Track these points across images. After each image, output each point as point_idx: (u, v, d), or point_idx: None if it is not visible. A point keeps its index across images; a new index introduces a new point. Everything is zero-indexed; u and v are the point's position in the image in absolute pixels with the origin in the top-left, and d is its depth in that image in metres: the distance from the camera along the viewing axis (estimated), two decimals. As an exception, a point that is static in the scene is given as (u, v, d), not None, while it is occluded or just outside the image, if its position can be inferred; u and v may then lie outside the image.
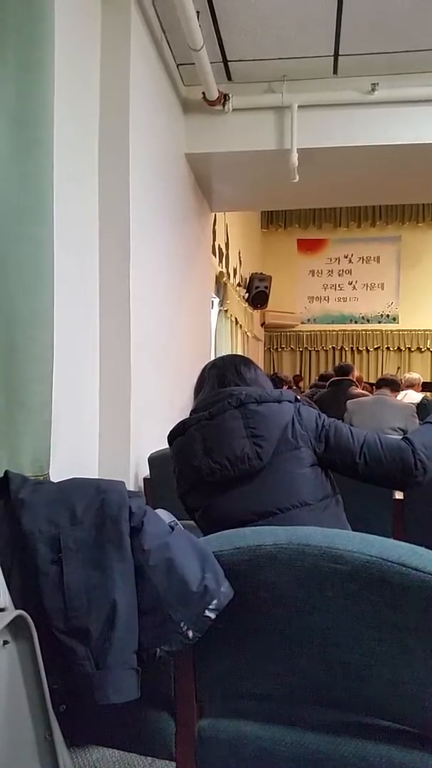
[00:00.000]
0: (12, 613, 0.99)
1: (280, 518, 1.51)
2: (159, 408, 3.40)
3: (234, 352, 2.01)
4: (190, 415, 1.70)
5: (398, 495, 2.38)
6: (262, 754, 1.16)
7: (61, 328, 1.86)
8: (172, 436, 1.72)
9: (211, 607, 1.08)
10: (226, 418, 1.58)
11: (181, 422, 1.69)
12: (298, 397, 1.71)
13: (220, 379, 1.74)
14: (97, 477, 2.60)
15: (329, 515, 1.56)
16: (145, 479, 2.92)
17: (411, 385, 6.05)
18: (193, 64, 3.37)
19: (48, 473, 1.70)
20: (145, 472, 2.92)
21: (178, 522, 1.43)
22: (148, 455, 2.85)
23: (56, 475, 1.62)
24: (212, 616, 1.08)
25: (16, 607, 1.05)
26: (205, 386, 1.78)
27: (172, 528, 1.21)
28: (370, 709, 1.12)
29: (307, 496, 1.54)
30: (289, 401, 1.63)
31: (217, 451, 1.56)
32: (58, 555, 1.10)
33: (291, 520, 1.50)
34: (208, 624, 1.09)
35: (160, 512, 1.42)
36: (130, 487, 2.79)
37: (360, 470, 1.58)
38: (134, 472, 2.90)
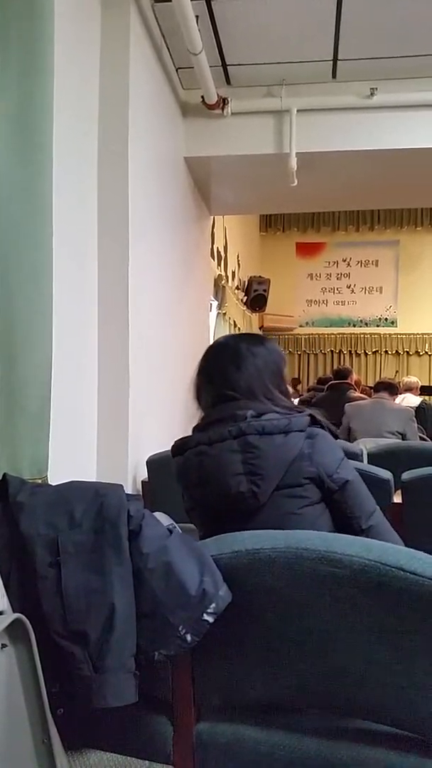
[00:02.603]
0: (10, 616, 0.99)
1: None
2: (157, 411, 3.40)
3: (224, 336, 1.59)
4: (193, 430, 1.56)
5: (397, 499, 2.38)
6: (260, 758, 1.16)
7: (59, 332, 1.86)
8: (173, 453, 1.57)
9: (209, 610, 1.08)
10: (224, 449, 1.41)
11: (182, 440, 1.54)
12: (318, 420, 1.49)
13: (214, 391, 1.53)
14: (95, 480, 2.61)
15: None
16: (143, 482, 2.92)
17: (409, 389, 6.06)
18: (193, 68, 3.38)
19: (46, 476, 1.70)
20: (144, 475, 2.92)
21: (176, 525, 1.43)
22: (147, 458, 2.84)
23: (55, 479, 1.62)
24: (210, 619, 1.08)
25: (15, 611, 1.05)
26: (201, 394, 1.58)
27: (171, 531, 1.21)
28: (368, 714, 1.12)
29: None
30: (300, 430, 1.43)
31: (212, 485, 1.43)
32: (56, 558, 1.10)
33: None
34: (206, 628, 1.09)
35: (159, 515, 1.42)
36: (129, 490, 2.79)
37: (356, 533, 1.44)
38: (132, 476, 2.90)
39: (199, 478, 1.45)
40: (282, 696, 1.17)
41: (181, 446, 1.53)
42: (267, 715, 1.19)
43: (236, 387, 1.48)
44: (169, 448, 3.00)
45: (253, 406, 1.46)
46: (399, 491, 2.38)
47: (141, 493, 2.91)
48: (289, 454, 1.40)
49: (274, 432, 1.40)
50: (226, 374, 1.50)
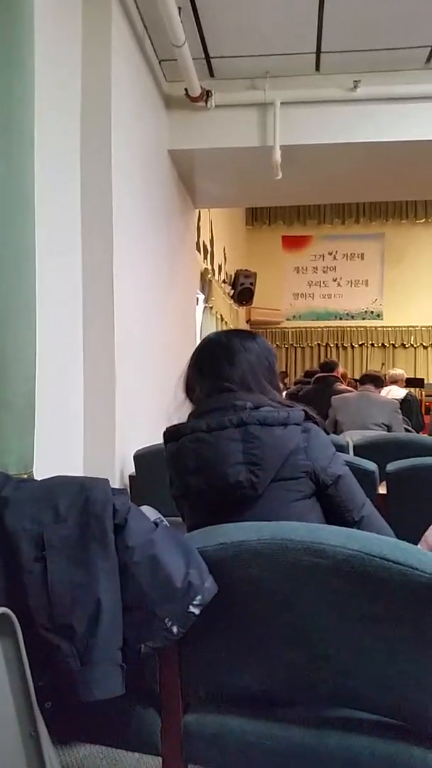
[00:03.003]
0: (-4, 611, 0.99)
1: None
2: (144, 405, 3.40)
3: (215, 333, 1.61)
4: (188, 417, 1.54)
5: (382, 490, 2.40)
6: (247, 748, 1.17)
7: (44, 328, 1.85)
8: (166, 439, 1.55)
9: (195, 602, 1.08)
10: (224, 438, 1.41)
11: (175, 426, 1.52)
12: (311, 415, 1.51)
13: (209, 383, 1.53)
14: (82, 475, 2.60)
15: None
16: (130, 477, 2.92)
17: (395, 381, 6.10)
18: (176, 60, 3.37)
19: (32, 472, 1.70)
20: (131, 469, 2.92)
21: (163, 519, 1.44)
22: (134, 453, 2.84)
23: (41, 474, 1.62)
24: (196, 611, 1.09)
25: (0, 605, 1.05)
26: (193, 386, 1.57)
27: (157, 525, 1.21)
28: (353, 702, 1.13)
29: None
30: (297, 424, 1.45)
31: (210, 473, 1.41)
32: (42, 553, 1.10)
33: None
34: (192, 620, 1.09)
35: (145, 509, 1.42)
36: (116, 484, 2.79)
37: (349, 525, 1.46)
38: (119, 470, 2.90)
39: (196, 466, 1.43)
40: (269, 686, 1.18)
41: (175, 432, 1.51)
42: (254, 706, 1.20)
43: (231, 380, 1.49)
44: (156, 442, 3.00)
45: (250, 398, 1.46)
46: (384, 482, 2.40)
47: (128, 487, 2.91)
48: (288, 447, 1.41)
49: (274, 424, 1.41)
50: (219, 369, 1.51)
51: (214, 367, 1.52)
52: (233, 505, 1.41)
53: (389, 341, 11.24)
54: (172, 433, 1.52)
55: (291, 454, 1.41)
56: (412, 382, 8.45)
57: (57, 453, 2.46)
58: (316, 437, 1.47)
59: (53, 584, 1.08)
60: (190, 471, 1.44)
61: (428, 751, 1.07)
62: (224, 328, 7.90)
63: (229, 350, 1.52)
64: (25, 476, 1.64)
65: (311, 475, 1.44)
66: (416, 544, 1.43)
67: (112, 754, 1.66)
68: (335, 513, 1.48)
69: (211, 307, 6.91)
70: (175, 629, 1.09)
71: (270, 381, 1.55)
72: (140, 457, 2.81)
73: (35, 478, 1.70)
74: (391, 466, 2.34)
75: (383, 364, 10.66)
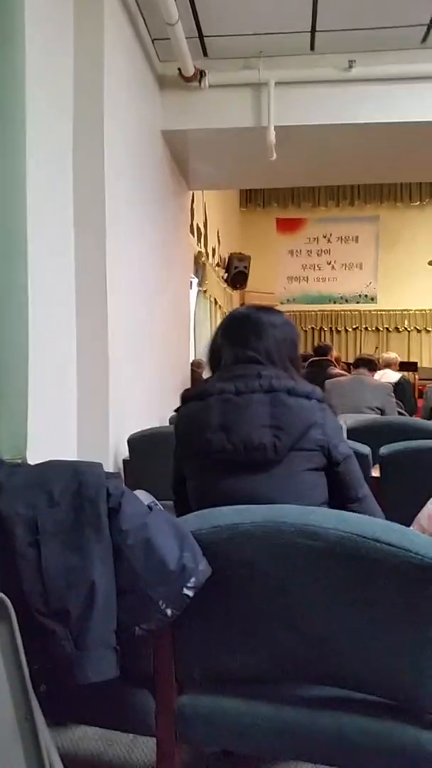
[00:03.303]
0: (-10, 595, 0.99)
1: None
2: (138, 389, 3.39)
3: (245, 308, 1.70)
4: (207, 381, 1.59)
5: (375, 473, 2.41)
6: (241, 728, 1.18)
7: (36, 312, 1.84)
8: (186, 398, 1.60)
9: (189, 585, 1.09)
10: (253, 401, 1.47)
11: (200, 387, 1.58)
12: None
13: (236, 352, 1.58)
14: (75, 459, 2.60)
15: None
16: (124, 461, 2.92)
17: (388, 365, 6.10)
18: (169, 39, 3.32)
19: (25, 457, 1.70)
20: (125, 453, 2.92)
21: (157, 503, 1.44)
22: (128, 437, 2.84)
23: (35, 459, 1.61)
24: (190, 594, 1.10)
25: (-5, 590, 1.05)
26: (220, 355, 1.63)
27: (151, 509, 1.21)
28: (346, 682, 1.14)
29: (307, 498, 1.48)
30: (319, 400, 1.53)
31: (235, 432, 1.46)
32: (36, 537, 1.10)
33: None
34: (186, 602, 1.10)
35: (139, 493, 1.43)
36: (110, 469, 2.79)
37: (347, 505, 1.55)
38: (113, 454, 2.90)
39: (221, 424, 1.48)
40: (262, 667, 1.19)
41: (201, 392, 1.56)
42: (248, 687, 1.21)
43: (257, 351, 1.56)
44: (150, 426, 3.00)
45: (274, 372, 1.53)
46: (377, 465, 2.41)
47: (122, 471, 2.91)
48: (310, 419, 1.49)
49: (300, 395, 1.49)
50: (247, 340, 1.57)
51: (241, 338, 1.58)
52: (250, 467, 1.47)
53: (383, 325, 11.22)
54: (196, 393, 1.57)
55: (311, 426, 1.49)
56: (406, 366, 8.47)
57: (51, 438, 2.46)
58: (332, 417, 1.57)
59: (47, 569, 1.08)
60: (214, 429, 1.48)
61: (419, 729, 1.09)
62: (218, 312, 7.88)
63: (257, 324, 1.59)
64: (19, 461, 1.64)
65: (325, 451, 1.51)
66: (409, 526, 1.44)
67: (107, 735, 1.68)
68: (339, 490, 1.56)
69: (205, 291, 6.88)
70: (169, 611, 1.10)
71: (291, 359, 1.62)
72: (134, 441, 2.81)
73: (29, 463, 1.70)
74: (384, 449, 2.35)
75: (377, 347, 10.64)
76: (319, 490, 1.52)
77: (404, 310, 11.10)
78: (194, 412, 1.55)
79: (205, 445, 1.50)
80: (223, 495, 1.47)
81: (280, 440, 1.45)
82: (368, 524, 1.02)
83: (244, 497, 1.42)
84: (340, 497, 1.56)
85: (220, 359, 1.62)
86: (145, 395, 3.56)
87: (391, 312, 11.17)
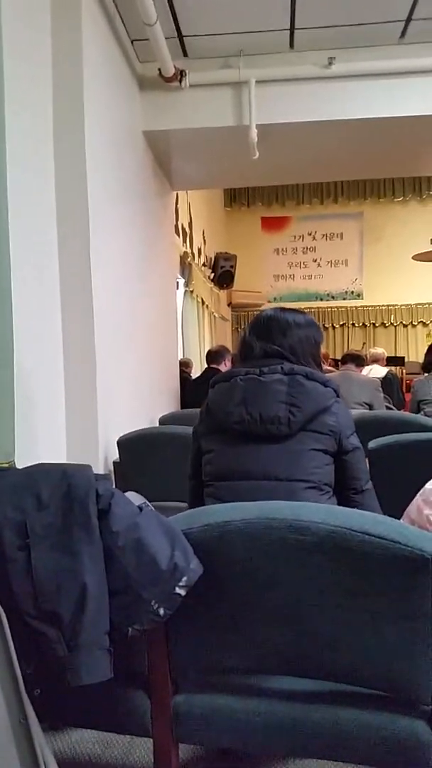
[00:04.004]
0: (-20, 600, 0.98)
1: (283, 487, 1.57)
2: (126, 390, 3.38)
3: (272, 309, 1.85)
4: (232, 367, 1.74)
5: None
6: (237, 725, 1.18)
7: (20, 315, 1.83)
8: (216, 382, 1.76)
9: (181, 584, 1.09)
10: (274, 380, 1.64)
11: (228, 371, 1.76)
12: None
13: (264, 346, 1.73)
14: (65, 462, 2.59)
15: (328, 502, 1.61)
16: (114, 463, 2.91)
17: (376, 360, 6.13)
18: (148, 39, 3.31)
19: (13, 461, 1.69)
20: (114, 455, 2.91)
21: (148, 504, 1.44)
22: (117, 438, 2.84)
23: (23, 463, 1.60)
24: (182, 593, 1.10)
25: (-15, 595, 1.05)
26: (249, 348, 1.77)
27: (141, 509, 1.21)
28: (339, 676, 1.14)
29: (314, 475, 1.59)
30: (335, 390, 1.68)
31: (253, 404, 1.62)
32: (25, 541, 1.09)
33: (290, 492, 1.55)
34: (178, 601, 1.10)
35: (130, 495, 1.42)
36: (100, 471, 2.79)
37: (350, 494, 1.68)
38: (103, 456, 2.89)
39: (242, 398, 1.64)
40: (256, 664, 1.19)
41: (228, 374, 1.74)
42: (242, 683, 1.21)
43: (283, 347, 1.72)
44: (139, 427, 3.00)
45: (298, 368, 1.68)
46: (366, 460, 2.42)
47: (113, 473, 2.90)
48: (323, 402, 1.63)
49: (317, 380, 1.65)
50: (273, 338, 1.73)
51: (269, 335, 1.74)
52: (265, 438, 1.61)
53: (370, 321, 11.27)
54: (225, 375, 1.75)
55: (325, 410, 1.63)
56: (393, 361, 8.52)
57: (39, 441, 2.45)
58: (345, 410, 1.70)
59: (37, 572, 1.08)
60: (236, 402, 1.64)
61: (414, 720, 1.09)
62: (206, 312, 7.88)
63: (283, 323, 1.75)
64: (6, 465, 1.63)
65: (336, 437, 1.64)
66: (399, 518, 1.45)
67: (105, 737, 1.68)
68: (345, 479, 1.68)
69: (192, 291, 6.87)
70: (161, 611, 1.09)
71: (313, 356, 1.78)
72: (124, 443, 2.80)
73: (17, 466, 1.69)
74: (373, 444, 2.36)
75: (364, 343, 10.69)
76: (326, 471, 1.63)
77: (390, 305, 11.16)
78: (221, 390, 1.71)
79: (225, 417, 1.65)
80: (238, 463, 1.63)
81: (294, 416, 1.59)
82: (357, 517, 1.03)
83: (257, 467, 1.61)
84: (344, 487, 1.68)
85: (248, 352, 1.76)
86: (134, 396, 3.55)
87: (378, 307, 11.22)
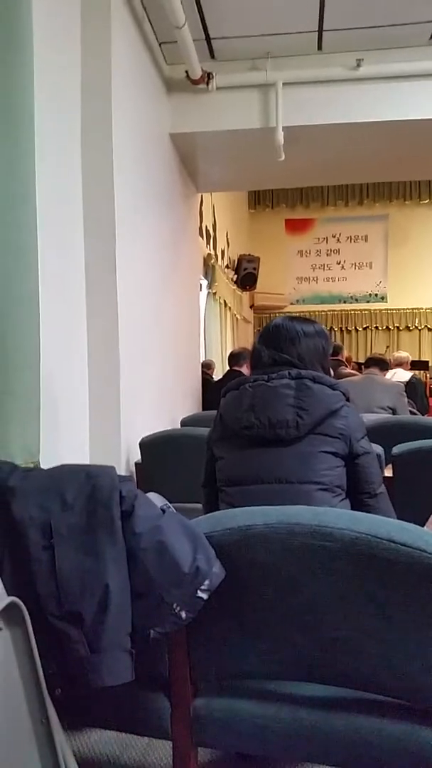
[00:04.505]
0: (5, 599, 0.99)
1: (295, 489, 1.57)
2: (149, 392, 3.40)
3: (281, 318, 1.86)
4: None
5: (388, 473, 2.40)
6: (256, 730, 1.18)
7: (47, 315, 1.84)
8: (228, 390, 1.79)
9: (203, 587, 1.09)
10: (281, 385, 1.66)
11: (238, 380, 1.78)
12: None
13: (274, 355, 1.75)
14: (88, 463, 2.61)
15: (340, 505, 1.60)
16: (136, 464, 2.93)
17: (400, 364, 6.07)
18: (176, 42, 3.32)
19: (38, 461, 1.70)
20: (137, 456, 2.92)
21: (170, 505, 1.44)
22: (140, 440, 2.85)
23: (48, 463, 1.62)
24: (204, 596, 1.09)
25: (9, 594, 1.06)
26: (260, 357, 1.79)
27: (164, 511, 1.21)
28: (360, 683, 1.13)
29: (326, 477, 1.59)
30: (343, 393, 1.69)
31: (262, 409, 1.64)
32: (50, 541, 1.10)
33: (302, 495, 1.55)
34: (200, 604, 1.10)
35: (152, 496, 1.43)
36: (122, 472, 2.80)
37: (364, 498, 1.67)
38: (125, 457, 2.90)
39: (251, 403, 1.66)
40: (277, 669, 1.19)
41: (238, 383, 1.76)
42: (262, 688, 1.21)
43: (291, 355, 1.73)
44: (162, 429, 3.01)
45: (305, 373, 1.69)
46: (389, 465, 2.40)
47: (134, 474, 2.91)
48: (331, 406, 1.64)
49: (324, 384, 1.66)
50: (282, 346, 1.75)
51: (278, 344, 1.76)
52: (275, 442, 1.62)
53: (394, 324, 11.17)
54: (235, 383, 1.78)
55: (333, 413, 1.63)
56: (417, 365, 8.43)
57: (63, 441, 2.47)
58: (355, 413, 1.71)
59: (61, 572, 1.08)
60: (245, 408, 1.67)
61: (437, 731, 1.08)
62: (228, 313, 7.88)
63: (291, 333, 1.76)
64: (32, 465, 1.64)
65: (346, 440, 1.64)
66: (423, 525, 1.43)
67: (123, 738, 1.68)
68: (357, 483, 1.67)
69: (215, 293, 6.88)
70: (183, 614, 1.09)
71: (322, 364, 1.79)
72: (146, 444, 2.81)
73: (41, 466, 1.71)
74: (396, 449, 2.34)
75: (388, 347, 10.59)
76: (337, 473, 1.63)
77: (415, 308, 11.04)
78: (233, 397, 1.74)
79: (236, 423, 1.68)
80: (250, 468, 1.64)
81: (302, 419, 1.60)
82: (382, 524, 1.02)
83: (268, 471, 1.62)
84: (357, 491, 1.67)
85: (258, 360, 1.79)
86: (156, 397, 3.56)
87: (402, 311, 11.11)
